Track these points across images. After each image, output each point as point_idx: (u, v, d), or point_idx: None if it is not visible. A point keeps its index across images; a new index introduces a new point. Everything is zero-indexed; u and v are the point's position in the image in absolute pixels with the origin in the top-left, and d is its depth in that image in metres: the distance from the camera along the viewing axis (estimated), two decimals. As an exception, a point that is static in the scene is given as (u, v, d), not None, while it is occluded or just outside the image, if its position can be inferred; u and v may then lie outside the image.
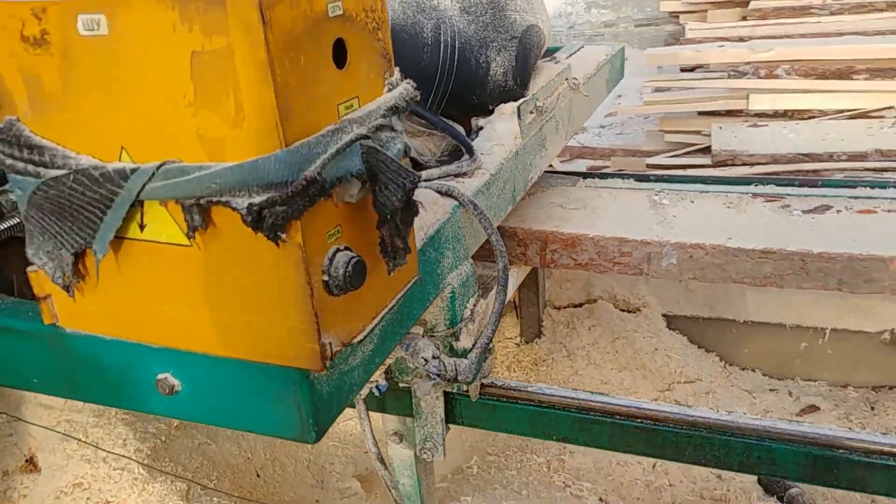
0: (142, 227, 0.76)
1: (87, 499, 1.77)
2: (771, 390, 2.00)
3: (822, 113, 2.70)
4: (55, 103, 0.74)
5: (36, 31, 0.71)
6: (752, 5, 3.53)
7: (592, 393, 1.16)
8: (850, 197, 1.51)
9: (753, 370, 2.07)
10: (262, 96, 0.64)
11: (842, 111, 2.69)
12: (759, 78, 2.72)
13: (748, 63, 2.70)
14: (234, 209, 0.68)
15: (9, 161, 0.78)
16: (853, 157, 2.43)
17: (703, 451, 1.08)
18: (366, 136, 0.71)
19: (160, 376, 0.85)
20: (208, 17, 0.63)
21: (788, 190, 1.58)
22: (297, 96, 0.66)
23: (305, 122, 0.68)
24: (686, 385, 2.01)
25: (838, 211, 1.45)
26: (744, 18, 3.57)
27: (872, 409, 1.88)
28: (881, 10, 3.39)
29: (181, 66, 0.66)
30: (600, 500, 1.77)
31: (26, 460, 1.84)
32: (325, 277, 0.72)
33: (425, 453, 1.27)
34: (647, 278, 2.12)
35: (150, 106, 0.69)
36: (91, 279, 0.82)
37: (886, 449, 1.00)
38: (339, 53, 0.73)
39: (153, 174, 0.70)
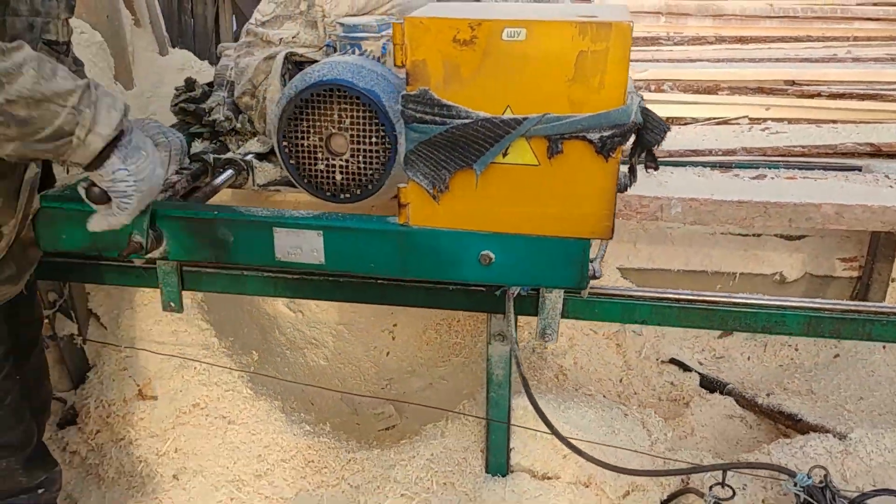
0: (504, 154, 1.26)
1: (206, 416, 2.10)
2: (698, 318, 2.74)
3: (695, 120, 3.54)
4: (463, 81, 1.22)
5: (467, 36, 1.19)
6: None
7: (664, 290, 1.77)
8: (767, 169, 2.26)
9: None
10: (618, 76, 1.18)
11: (710, 119, 3.56)
12: (651, 91, 3.51)
13: (635, 80, 3.47)
14: (588, 140, 1.21)
15: (418, 115, 1.25)
16: (726, 152, 3.27)
17: (740, 320, 1.72)
18: (642, 99, 1.27)
19: (483, 252, 1.34)
20: (598, 31, 1.16)
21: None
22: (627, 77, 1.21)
23: (625, 91, 1.23)
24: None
25: (772, 178, 2.18)
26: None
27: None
28: (711, 43, 4.37)
29: (569, 59, 1.18)
30: (603, 396, 2.39)
31: (138, 391, 2.12)
32: (618, 182, 1.27)
33: (547, 337, 1.79)
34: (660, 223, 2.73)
35: (537, 81, 1.20)
36: (446, 191, 1.30)
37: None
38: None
39: (538, 120, 1.21)
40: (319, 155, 1.47)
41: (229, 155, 1.82)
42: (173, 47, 3.12)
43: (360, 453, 2.13)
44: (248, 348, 2.31)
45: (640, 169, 1.38)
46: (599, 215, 1.28)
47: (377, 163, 1.45)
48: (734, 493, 1.87)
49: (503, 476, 2.05)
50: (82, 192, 1.30)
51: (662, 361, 2.56)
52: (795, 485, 1.82)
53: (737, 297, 1.74)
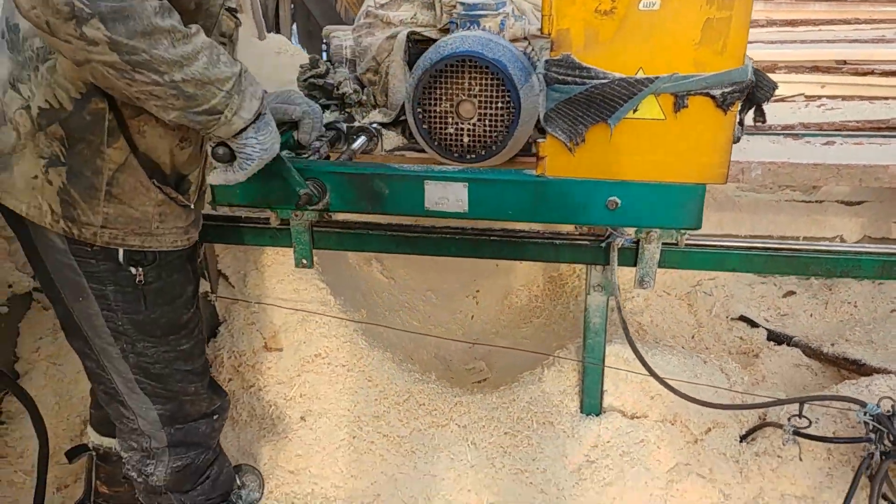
0: (635, 110, 1.48)
1: (328, 364, 2.33)
2: (762, 283, 2.94)
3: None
4: (601, 46, 1.45)
5: (608, 7, 1.41)
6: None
7: (751, 240, 1.98)
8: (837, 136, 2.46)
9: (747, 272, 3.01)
10: (739, 40, 1.40)
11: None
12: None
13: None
14: (711, 96, 1.43)
15: (561, 77, 1.47)
16: (785, 127, 3.47)
17: (821, 265, 1.92)
18: (753, 62, 1.48)
19: (610, 198, 1.57)
20: (724, 1, 1.37)
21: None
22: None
23: (745, 54, 1.44)
24: (708, 281, 2.91)
25: (840, 144, 2.39)
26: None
27: (830, 290, 2.87)
28: (762, 26, 4.54)
29: (697, 25, 1.39)
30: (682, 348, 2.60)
31: (265, 343, 2.36)
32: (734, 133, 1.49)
33: (645, 284, 2.00)
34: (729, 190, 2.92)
35: (667, 45, 1.42)
36: (582, 143, 1.52)
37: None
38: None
39: (668, 79, 1.43)
40: (450, 120, 1.68)
41: (361, 123, 2.05)
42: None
43: (466, 397, 2.36)
44: (357, 307, 2.55)
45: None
46: (717, 163, 1.49)
47: (502, 126, 1.66)
48: (810, 423, 2.08)
49: (597, 415, 2.27)
50: (208, 150, 1.51)
51: (732, 319, 2.77)
52: (866, 413, 2.03)
53: (817, 244, 1.95)
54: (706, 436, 2.25)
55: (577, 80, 1.47)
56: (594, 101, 1.48)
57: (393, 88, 1.93)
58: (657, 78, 1.44)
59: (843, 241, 2.86)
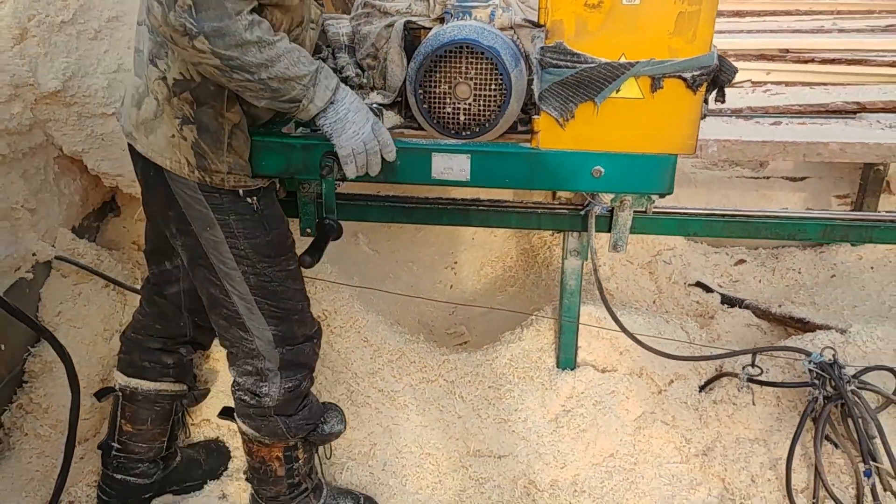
0: (617, 91, 1.70)
1: (327, 325, 2.51)
2: (715, 253, 3.22)
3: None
4: (590, 35, 1.65)
5: (595, 1, 1.62)
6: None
7: (713, 208, 2.23)
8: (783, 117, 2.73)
9: (701, 242, 3.29)
10: (707, 30, 1.62)
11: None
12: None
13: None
14: (682, 78, 1.65)
15: (554, 61, 1.68)
16: (734, 111, 3.75)
17: (771, 229, 2.18)
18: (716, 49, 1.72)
19: (595, 167, 1.78)
20: (693, -1, 1.60)
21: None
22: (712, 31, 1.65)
23: (711, 42, 1.66)
24: (667, 251, 3.17)
25: (786, 124, 2.66)
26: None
27: (776, 258, 3.17)
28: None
29: (671, 17, 1.61)
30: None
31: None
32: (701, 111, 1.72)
33: (618, 248, 2.21)
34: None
35: (646, 34, 1.63)
36: (572, 119, 1.73)
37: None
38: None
39: (646, 64, 1.65)
40: (448, 100, 1.86)
41: (364, 103, 2.22)
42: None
43: (452, 355, 2.57)
44: (350, 275, 2.73)
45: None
46: (687, 135, 1.73)
47: (494, 105, 1.84)
48: (762, 372, 2.36)
49: (572, 370, 2.50)
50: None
51: (689, 285, 3.04)
52: (810, 362, 2.31)
53: (768, 210, 2.22)
54: (669, 387, 2.51)
55: (569, 64, 1.68)
56: (583, 83, 1.69)
57: (391, 73, 2.07)
58: (637, 62, 1.66)
59: (787, 213, 3.15)
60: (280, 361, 1.93)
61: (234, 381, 2.00)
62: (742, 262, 3.14)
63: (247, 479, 2.21)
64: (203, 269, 1.85)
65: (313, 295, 2.50)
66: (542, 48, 1.70)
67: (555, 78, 1.70)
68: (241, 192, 1.77)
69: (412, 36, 2.13)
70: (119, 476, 2.18)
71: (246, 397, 1.98)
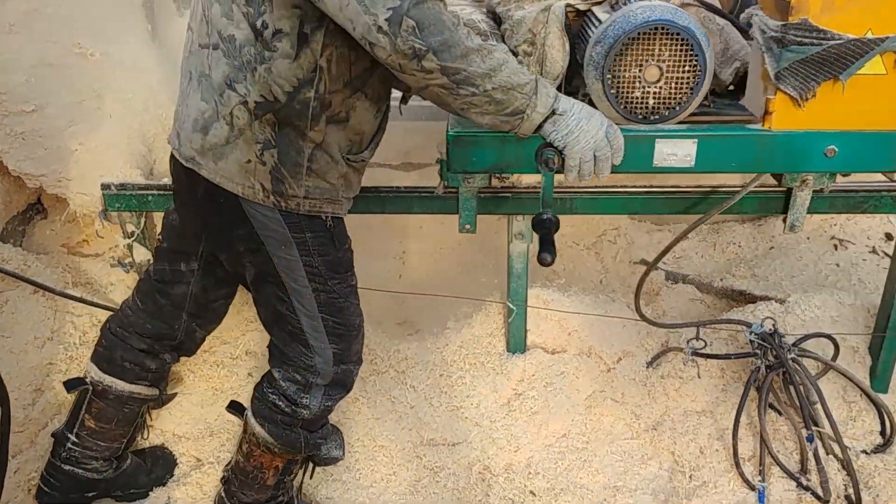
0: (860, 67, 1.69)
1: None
2: (658, 230, 3.25)
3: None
4: (835, 11, 1.65)
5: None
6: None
7: (646, 186, 2.24)
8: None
9: (644, 221, 3.33)
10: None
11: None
12: None
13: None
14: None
15: (798, 39, 1.68)
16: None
17: (711, 205, 2.22)
18: None
19: (829, 147, 1.78)
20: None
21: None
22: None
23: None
24: (612, 231, 3.20)
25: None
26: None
27: (717, 233, 3.21)
28: None
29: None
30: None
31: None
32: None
33: (795, 228, 2.15)
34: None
35: (893, 9, 1.63)
36: (813, 98, 1.73)
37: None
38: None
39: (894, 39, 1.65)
40: (637, 84, 1.81)
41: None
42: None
43: (403, 345, 2.54)
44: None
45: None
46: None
47: (686, 87, 1.80)
48: (706, 345, 2.39)
49: (522, 353, 2.50)
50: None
51: (633, 263, 3.07)
52: (752, 332, 2.36)
53: (705, 186, 2.24)
54: (618, 364, 2.53)
55: (814, 41, 1.67)
56: (828, 60, 1.68)
57: (551, 59, 1.96)
58: (887, 38, 1.66)
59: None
60: (331, 379, 1.92)
61: (274, 381, 1.94)
62: (685, 237, 3.18)
63: (222, 480, 2.15)
64: (271, 286, 1.82)
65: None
66: (784, 25, 1.69)
67: (796, 56, 1.69)
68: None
69: (569, 21, 1.99)
70: (67, 468, 2.10)
71: (281, 403, 1.93)
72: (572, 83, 2.01)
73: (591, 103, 1.79)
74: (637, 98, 1.82)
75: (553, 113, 1.65)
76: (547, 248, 1.72)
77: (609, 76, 1.79)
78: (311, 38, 1.53)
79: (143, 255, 2.39)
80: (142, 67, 2.60)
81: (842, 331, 2.45)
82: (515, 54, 2.00)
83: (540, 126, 1.65)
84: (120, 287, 2.49)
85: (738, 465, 2.31)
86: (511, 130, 1.66)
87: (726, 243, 3.12)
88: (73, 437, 2.09)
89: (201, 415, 2.39)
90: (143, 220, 2.37)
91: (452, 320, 2.62)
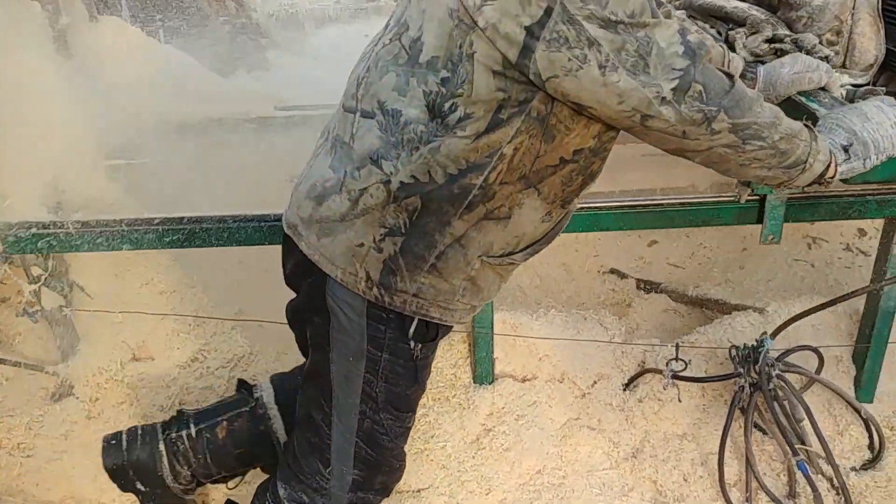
0: None
1: (206, 368, 2.21)
2: (627, 236, 3.09)
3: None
4: None
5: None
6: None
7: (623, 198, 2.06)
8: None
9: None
10: None
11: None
12: None
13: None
14: None
15: None
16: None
17: (685, 217, 2.04)
18: None
19: None
20: None
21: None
22: None
23: None
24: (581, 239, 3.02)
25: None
26: None
27: (688, 236, 3.07)
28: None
29: None
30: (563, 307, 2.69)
31: (132, 355, 2.19)
32: None
33: None
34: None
35: None
36: None
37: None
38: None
39: None
40: None
41: (869, 87, 1.88)
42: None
43: (359, 383, 2.31)
44: (232, 303, 2.42)
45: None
46: None
47: None
48: (686, 365, 2.23)
49: (490, 384, 2.31)
50: None
51: (603, 272, 2.89)
52: (733, 347, 2.20)
53: (681, 196, 2.07)
54: (592, 388, 2.36)
55: None
56: None
57: (861, 48, 1.80)
58: None
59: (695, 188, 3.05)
60: None
61: (277, 499, 1.68)
62: (654, 242, 3.03)
63: None
64: (317, 390, 1.58)
65: (186, 333, 2.20)
66: None
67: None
68: (411, 329, 1.48)
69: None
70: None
71: None
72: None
73: None
74: None
75: (846, 150, 1.53)
76: None
77: None
78: (506, 124, 1.30)
79: (53, 300, 2.11)
80: (44, 85, 2.28)
81: (824, 340, 2.33)
82: (813, 48, 1.84)
83: (823, 173, 1.51)
84: (29, 338, 2.21)
85: (724, 492, 2.16)
86: (784, 185, 1.52)
87: (698, 246, 2.97)
88: (193, 430, 1.88)
89: None
90: (50, 262, 2.07)
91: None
